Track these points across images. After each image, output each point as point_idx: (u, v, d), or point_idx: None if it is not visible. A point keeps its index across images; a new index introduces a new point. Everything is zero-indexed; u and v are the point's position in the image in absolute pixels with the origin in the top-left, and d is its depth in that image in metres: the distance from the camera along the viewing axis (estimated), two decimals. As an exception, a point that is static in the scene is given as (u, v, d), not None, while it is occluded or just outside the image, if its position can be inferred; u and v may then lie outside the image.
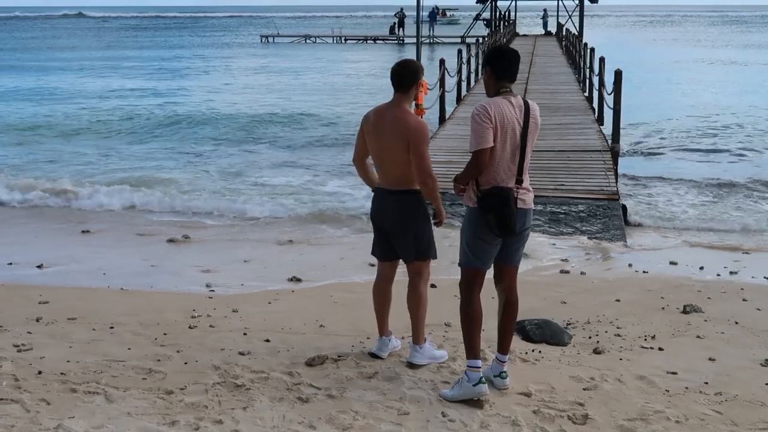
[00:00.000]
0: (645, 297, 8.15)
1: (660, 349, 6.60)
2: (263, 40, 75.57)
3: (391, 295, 6.25)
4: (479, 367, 5.50)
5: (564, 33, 46.69)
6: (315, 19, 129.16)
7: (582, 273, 9.08)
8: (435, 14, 71.15)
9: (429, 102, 17.01)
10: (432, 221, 6.05)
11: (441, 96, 17.45)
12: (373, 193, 6.07)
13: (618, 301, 7.99)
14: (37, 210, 12.71)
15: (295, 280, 8.62)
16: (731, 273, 9.25)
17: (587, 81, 22.54)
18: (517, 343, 6.68)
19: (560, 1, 63.80)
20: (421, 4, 14.03)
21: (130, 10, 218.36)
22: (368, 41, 73.87)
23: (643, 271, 9.21)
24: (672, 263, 9.66)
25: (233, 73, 41.33)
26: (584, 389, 5.71)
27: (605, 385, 5.80)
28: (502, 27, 58.82)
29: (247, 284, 8.47)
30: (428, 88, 14.03)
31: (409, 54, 28.15)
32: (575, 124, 16.56)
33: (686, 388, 5.76)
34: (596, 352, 6.50)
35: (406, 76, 5.83)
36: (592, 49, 22.33)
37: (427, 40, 67.14)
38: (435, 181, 5.86)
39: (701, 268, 9.43)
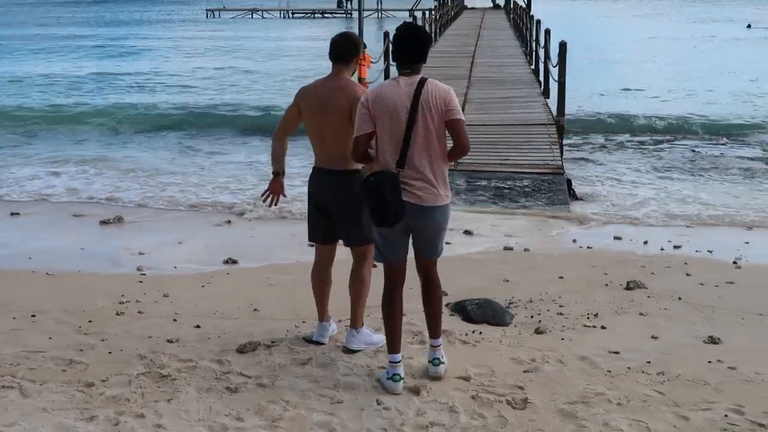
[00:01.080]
0: (589, 273, 8.02)
1: (603, 327, 6.47)
2: (208, 15, 74.46)
3: (331, 279, 5.99)
4: (397, 362, 5.24)
5: (512, 6, 46.48)
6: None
7: (526, 249, 8.92)
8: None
9: (373, 76, 16.76)
10: None
11: (386, 69, 17.18)
12: (311, 173, 5.73)
13: (561, 278, 7.85)
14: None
15: (231, 261, 8.32)
16: (675, 247, 9.17)
17: (534, 54, 22.38)
18: (457, 324, 6.50)
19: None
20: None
21: None
22: (316, 15, 73.16)
23: (587, 247, 9.09)
24: (616, 238, 9.55)
25: (170, 59, 39.22)
26: (525, 371, 5.54)
27: (546, 366, 5.63)
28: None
29: (181, 266, 8.17)
30: (372, 61, 13.77)
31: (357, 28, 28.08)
32: (521, 98, 16.40)
33: (628, 368, 5.62)
34: (538, 332, 6.34)
35: (346, 47, 5.60)
36: (538, 22, 22.17)
37: (375, 14, 66.73)
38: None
39: (645, 242, 9.34)
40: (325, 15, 73.01)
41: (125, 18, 73.97)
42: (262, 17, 72.88)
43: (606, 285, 7.61)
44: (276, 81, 28.59)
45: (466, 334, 6.25)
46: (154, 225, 10.17)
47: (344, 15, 71.87)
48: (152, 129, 18.45)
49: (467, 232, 9.52)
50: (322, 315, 5.99)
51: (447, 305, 6.92)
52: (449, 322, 6.52)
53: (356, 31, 14.10)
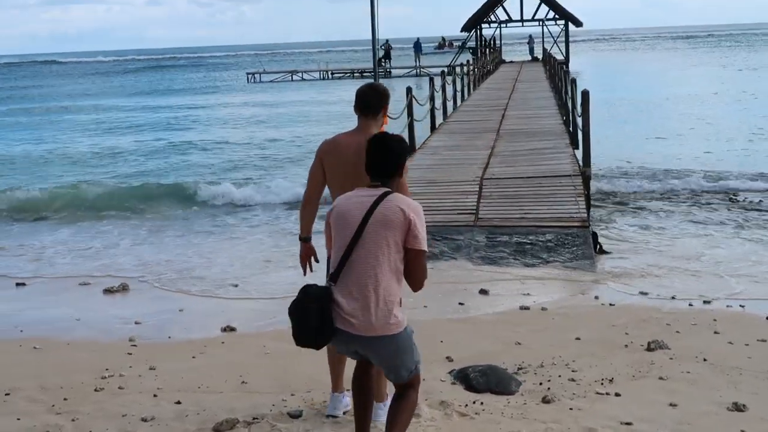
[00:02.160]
0: (608, 333, 7.48)
1: (617, 394, 5.93)
2: (249, 79, 75.24)
3: None
4: None
5: (549, 58, 46.25)
6: (302, 55, 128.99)
7: (543, 309, 8.40)
8: (420, 45, 70.91)
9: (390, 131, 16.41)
10: None
11: (410, 124, 16.85)
12: None
13: (578, 339, 7.32)
14: None
15: (229, 329, 7.92)
16: (705, 302, 8.58)
17: (566, 105, 21.96)
18: (458, 393, 6.02)
19: (544, 27, 63.74)
20: (377, 34, 13.39)
21: (108, 54, 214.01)
22: (355, 75, 73.53)
23: (610, 304, 8.54)
24: (642, 293, 8.98)
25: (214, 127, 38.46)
26: (524, 448, 5.03)
27: (549, 441, 5.12)
28: (487, 54, 58.58)
29: (175, 336, 7.78)
30: (390, 117, 13.39)
31: (397, 86, 27.12)
32: (548, 149, 15.94)
33: (640, 442, 5.09)
34: (545, 401, 5.82)
35: (374, 98, 5.24)
36: (566, 71, 21.77)
37: (414, 71, 66.92)
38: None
39: (673, 297, 8.76)
40: (364, 74, 73.32)
41: (163, 87, 74.87)
42: (302, 79, 73.43)
43: (625, 346, 7.07)
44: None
45: (466, 405, 5.76)
46: (159, 293, 9.82)
47: (383, 74, 72.14)
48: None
49: (483, 292, 9.04)
50: (337, 385, 5.50)
51: (450, 372, 6.46)
52: (450, 391, 6.05)
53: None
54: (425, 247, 4.41)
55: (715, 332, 7.45)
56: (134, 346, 7.44)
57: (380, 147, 4.53)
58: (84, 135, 32.31)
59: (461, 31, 66.33)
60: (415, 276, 4.44)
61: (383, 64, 74.54)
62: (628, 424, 5.38)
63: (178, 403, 5.90)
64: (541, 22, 63.76)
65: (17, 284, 10.28)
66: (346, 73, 74.70)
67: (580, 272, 9.82)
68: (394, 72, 68.53)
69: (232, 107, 44.58)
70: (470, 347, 7.15)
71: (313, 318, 4.28)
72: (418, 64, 68.94)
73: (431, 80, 20.92)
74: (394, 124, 16.67)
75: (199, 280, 10.35)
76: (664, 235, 12.16)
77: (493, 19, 65.32)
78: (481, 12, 63.65)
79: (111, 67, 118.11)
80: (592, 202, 14.46)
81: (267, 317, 8.40)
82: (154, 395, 6.07)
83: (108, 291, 9.69)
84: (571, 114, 17.77)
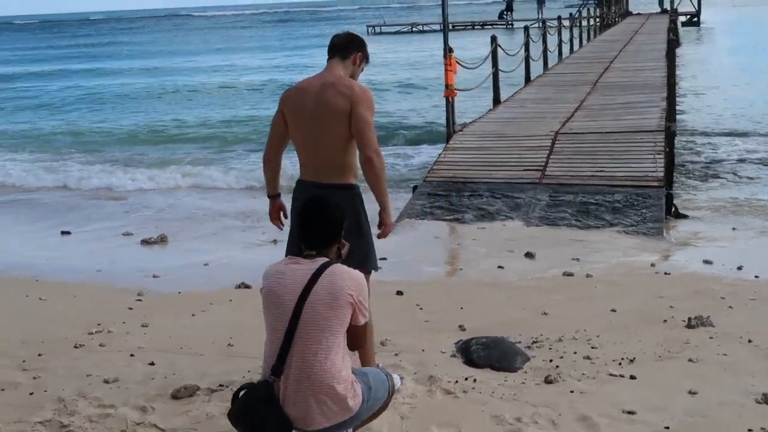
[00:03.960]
0: (650, 306, 6.70)
1: (632, 377, 5.22)
2: (369, 31, 74.80)
3: None
4: None
5: (675, 10, 43.94)
6: (424, 8, 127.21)
7: (588, 275, 7.64)
8: (543, -3, 68.72)
9: (475, 81, 15.63)
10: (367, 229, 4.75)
11: (493, 74, 16.02)
12: (295, 188, 4.75)
13: (613, 311, 6.57)
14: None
15: (243, 286, 7.49)
16: (777, 273, 7.64)
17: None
18: (454, 368, 5.43)
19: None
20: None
21: (234, 8, 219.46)
22: (476, 27, 72.07)
23: (665, 273, 7.70)
24: (706, 262, 8.08)
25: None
26: (499, 435, 4.42)
27: (529, 430, 4.51)
28: (612, 5, 56.23)
29: (186, 292, 7.41)
30: (459, 63, 12.66)
31: (518, 37, 25.67)
32: (641, 103, 14.82)
33: (636, 435, 4.40)
34: (548, 381, 5.18)
35: (344, 40, 4.76)
36: (673, 21, 20.30)
37: (537, 24, 65.05)
38: (383, 160, 4.60)
39: (740, 267, 7.84)
40: (486, 26, 71.74)
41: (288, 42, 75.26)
42: (422, 31, 72.43)
43: (664, 321, 6.28)
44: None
45: (456, 381, 5.18)
46: (197, 244, 9.49)
47: (504, 26, 70.36)
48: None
49: (529, 255, 8.32)
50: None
51: (457, 343, 5.86)
52: (445, 365, 5.48)
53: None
54: (368, 317, 3.95)
55: (774, 309, 6.57)
56: (139, 300, 7.12)
57: (317, 213, 3.93)
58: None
59: (587, -19, 63.84)
60: (355, 342, 3.97)
61: (505, 16, 72.85)
62: (630, 413, 4.69)
63: (152, 364, 5.54)
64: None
65: (62, 233, 10.15)
66: (467, 25, 73.34)
67: (645, 237, 8.96)
68: (516, 24, 66.72)
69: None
70: (490, 315, 6.52)
71: (266, 419, 3.73)
72: (540, 16, 66.93)
73: (526, 29, 19.91)
74: (475, 74, 16.08)
75: (247, 233, 10.00)
76: (754, 204, 11.03)
77: (622, -32, 62.62)
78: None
79: (233, 22, 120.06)
80: (681, 162, 13.45)
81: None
82: (131, 355, 5.72)
83: (145, 242, 9.45)
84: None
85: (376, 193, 4.63)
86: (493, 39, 16.06)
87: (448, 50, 12.31)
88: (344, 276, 3.82)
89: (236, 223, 10.73)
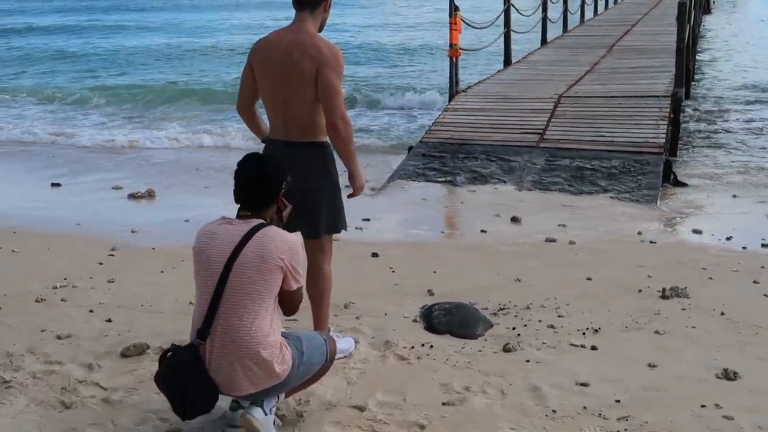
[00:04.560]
0: (628, 275, 6.55)
1: (593, 347, 5.10)
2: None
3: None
4: None
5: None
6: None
7: (571, 242, 7.48)
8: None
9: (471, 42, 15.35)
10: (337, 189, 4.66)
11: (505, 35, 15.72)
12: (264, 148, 4.65)
13: (589, 279, 6.43)
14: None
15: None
16: (764, 245, 7.45)
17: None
18: (413, 333, 5.33)
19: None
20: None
21: None
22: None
23: (651, 242, 7.53)
24: (695, 231, 7.89)
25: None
26: (444, 404, 4.33)
27: (476, 399, 4.40)
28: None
29: (160, 247, 7.33)
30: (464, 21, 12.40)
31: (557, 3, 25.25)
32: (653, 68, 14.48)
33: (584, 408, 4.30)
34: (506, 349, 5.06)
35: None
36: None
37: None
38: (349, 126, 4.45)
39: (729, 238, 7.65)
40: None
41: None
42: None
43: (639, 291, 6.14)
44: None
45: (412, 347, 5.07)
46: (184, 199, 9.40)
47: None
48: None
49: (515, 220, 8.16)
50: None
51: (422, 308, 5.75)
52: (404, 330, 5.37)
53: None
54: (302, 282, 3.84)
55: (755, 282, 6.39)
56: (111, 256, 7.05)
57: (253, 172, 3.81)
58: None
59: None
60: (289, 307, 3.87)
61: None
62: (583, 384, 4.56)
63: (109, 321, 5.47)
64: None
65: (52, 185, 10.11)
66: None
67: (637, 204, 8.79)
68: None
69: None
70: (462, 281, 6.40)
71: (190, 381, 3.64)
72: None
73: (543, -10, 19.54)
74: (486, 33, 15.79)
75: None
76: (761, 175, 10.74)
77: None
78: None
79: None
80: (691, 130, 13.19)
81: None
82: (91, 311, 5.66)
83: (132, 196, 9.38)
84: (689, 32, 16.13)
85: (344, 159, 4.52)
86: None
87: (453, 9, 12.04)
88: (275, 239, 3.71)
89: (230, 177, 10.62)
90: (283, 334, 3.89)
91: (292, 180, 4.00)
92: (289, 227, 4.40)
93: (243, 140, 12.87)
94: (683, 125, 12.90)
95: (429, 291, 6.12)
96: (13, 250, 7.17)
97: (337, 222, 4.70)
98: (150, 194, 9.42)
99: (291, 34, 4.45)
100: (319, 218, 4.60)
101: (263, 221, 3.81)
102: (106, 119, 16.38)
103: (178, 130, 14.61)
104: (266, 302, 3.70)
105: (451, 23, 12.06)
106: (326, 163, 4.54)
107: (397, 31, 34.91)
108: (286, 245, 3.71)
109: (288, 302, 3.85)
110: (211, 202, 9.24)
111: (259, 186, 3.83)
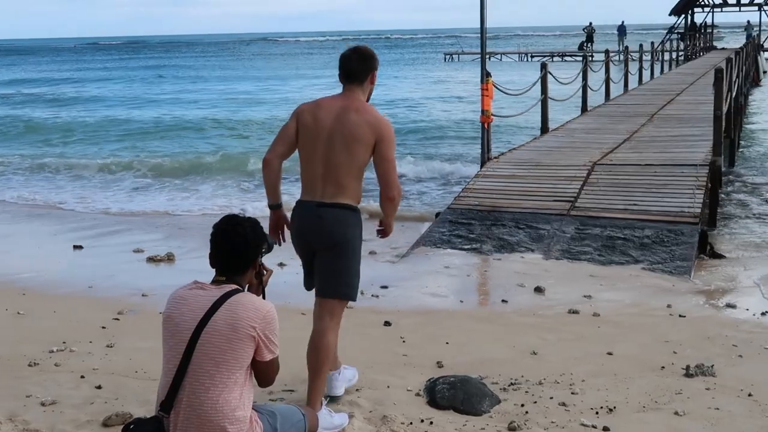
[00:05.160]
0: (652, 350, 6.18)
1: (605, 429, 4.77)
2: (446, 59, 74.74)
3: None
4: None
5: (747, 45, 42.58)
6: (503, 39, 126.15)
7: (595, 314, 7.13)
8: (624, 28, 67.48)
9: (518, 107, 15.18)
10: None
11: (542, 101, 15.55)
12: (295, 209, 4.65)
13: (609, 354, 6.08)
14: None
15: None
16: (804, 322, 7.03)
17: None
18: (414, 408, 5.04)
19: (763, 11, 58.99)
20: (485, 13, 12.25)
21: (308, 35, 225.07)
22: (554, 58, 71.26)
23: (680, 315, 7.15)
24: (729, 306, 7.50)
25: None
26: (435, 487, 4.01)
27: (469, 482, 4.06)
28: (697, 39, 55.02)
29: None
30: (496, 87, 12.24)
31: (597, 68, 24.99)
32: (694, 136, 14.14)
33: (587, 495, 3.93)
34: (510, 428, 4.75)
35: (358, 63, 4.61)
36: (738, 54, 19.48)
37: (617, 56, 63.97)
38: (400, 196, 4.67)
39: (764, 313, 7.24)
40: (566, 58, 70.83)
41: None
42: (500, 60, 71.95)
43: (662, 368, 5.76)
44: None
45: (410, 423, 4.78)
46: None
47: (583, 57, 69.44)
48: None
49: (538, 290, 7.84)
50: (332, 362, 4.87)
51: (428, 380, 5.44)
52: (405, 404, 5.08)
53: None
54: (278, 353, 3.58)
55: (789, 360, 5.99)
56: (116, 320, 6.88)
57: (228, 235, 3.59)
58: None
59: (670, 14, 62.56)
60: (264, 379, 3.65)
61: (585, 47, 71.83)
62: (588, 469, 4.22)
63: (99, 387, 5.26)
64: (760, 8, 59.08)
65: (74, 247, 10.03)
66: (545, 55, 72.56)
67: (669, 276, 8.39)
68: (597, 56, 65.75)
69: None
70: (474, 352, 6.10)
71: None
72: (621, 48, 65.89)
73: (584, 59, 19.37)
74: (519, 101, 15.57)
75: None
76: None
77: (707, 2, 61.18)
78: (694, -6, 59.98)
79: (308, 48, 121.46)
80: (733, 201, 12.76)
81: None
82: (82, 376, 5.46)
83: (151, 259, 9.24)
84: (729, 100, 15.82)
85: (388, 216, 4.72)
86: (543, 66, 15.62)
87: (485, 75, 11.91)
88: (248, 306, 3.49)
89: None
90: (257, 408, 3.65)
91: (319, 238, 4.34)
92: (307, 284, 4.70)
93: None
94: (724, 195, 12.51)
95: (438, 363, 5.83)
96: (18, 312, 7.05)
97: (353, 289, 4.67)
98: (169, 258, 9.28)
99: (343, 100, 4.56)
100: (338, 278, 4.57)
101: (237, 287, 3.59)
102: (142, 184, 16.36)
103: (213, 197, 14.52)
104: (235, 374, 3.46)
105: (483, 89, 11.93)
106: (355, 227, 4.59)
107: (443, 101, 34.96)
108: (259, 313, 3.49)
109: (263, 374, 3.61)
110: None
111: (235, 250, 3.63)
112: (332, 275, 4.55)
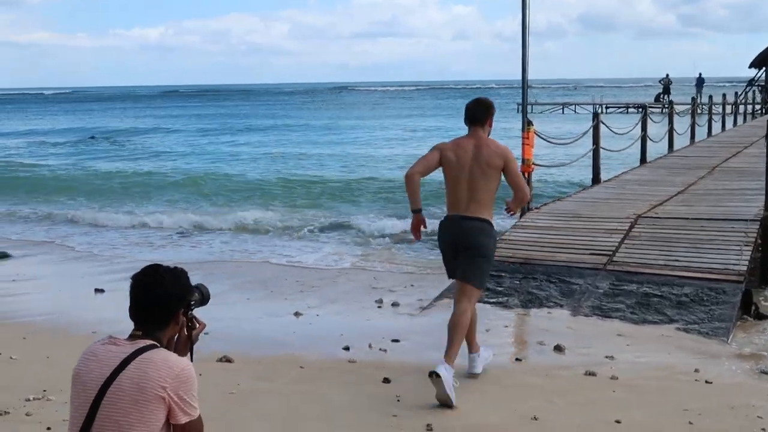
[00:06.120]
0: (666, 419, 5.69)
1: (590, 508, 4.28)
2: (519, 109, 74.35)
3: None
4: None
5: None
6: (578, 90, 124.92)
7: (612, 377, 6.64)
8: (702, 80, 66.20)
9: (565, 155, 14.70)
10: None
11: (594, 152, 15.08)
12: (443, 221, 6.30)
13: (618, 422, 5.61)
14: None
15: (225, 360, 6.93)
16: (842, 393, 6.41)
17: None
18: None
19: None
20: (527, 63, 11.99)
21: (387, 84, 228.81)
22: (630, 109, 70.18)
23: (706, 381, 6.61)
24: (764, 372, 6.92)
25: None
26: None
27: None
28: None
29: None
30: (538, 136, 11.87)
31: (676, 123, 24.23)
32: (751, 190, 13.47)
33: None
34: (485, 503, 4.30)
35: (479, 111, 6.19)
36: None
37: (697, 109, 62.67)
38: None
39: (800, 383, 6.64)
40: (639, 109, 69.69)
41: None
42: (575, 112, 71.18)
43: (672, 440, 5.27)
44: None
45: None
46: (225, 309, 8.98)
47: (660, 109, 68.19)
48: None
49: (558, 348, 7.38)
50: (471, 346, 6.53)
51: (411, 446, 5.06)
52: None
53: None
54: (196, 415, 3.20)
55: (816, 437, 5.42)
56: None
57: (146, 286, 3.29)
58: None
59: (749, 67, 61.27)
60: None
61: (662, 99, 70.64)
62: None
63: (59, 437, 5.01)
64: None
65: (95, 290, 9.91)
66: (619, 106, 71.61)
67: (705, 338, 7.81)
68: (675, 108, 64.46)
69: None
70: (470, 416, 5.69)
71: None
72: (699, 101, 64.65)
73: (644, 109, 18.83)
74: (570, 149, 15.04)
75: (281, 302, 9.48)
76: None
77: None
78: (775, 46, 58.54)
79: (382, 96, 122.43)
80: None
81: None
82: (48, 428, 5.23)
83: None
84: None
85: (516, 205, 6.41)
86: (595, 116, 15.16)
87: (526, 124, 11.55)
88: (159, 364, 3.14)
89: (282, 290, 10.23)
90: None
91: (463, 243, 6.07)
92: (453, 273, 6.30)
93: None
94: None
95: (428, 426, 5.45)
96: (11, 357, 6.89)
97: (482, 282, 6.31)
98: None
99: (475, 139, 6.16)
100: (475, 271, 6.14)
101: (153, 343, 3.27)
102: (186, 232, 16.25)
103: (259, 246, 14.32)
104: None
105: (523, 138, 11.57)
106: (490, 236, 6.22)
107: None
108: (171, 371, 3.15)
109: None
110: (244, 315, 8.85)
111: (153, 302, 3.31)
112: (470, 269, 6.12)
